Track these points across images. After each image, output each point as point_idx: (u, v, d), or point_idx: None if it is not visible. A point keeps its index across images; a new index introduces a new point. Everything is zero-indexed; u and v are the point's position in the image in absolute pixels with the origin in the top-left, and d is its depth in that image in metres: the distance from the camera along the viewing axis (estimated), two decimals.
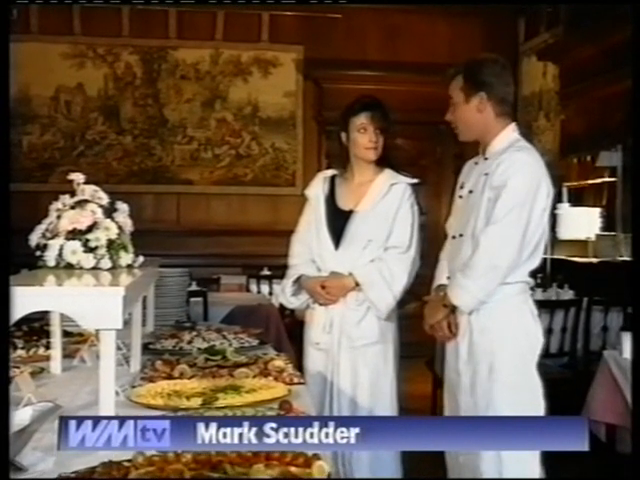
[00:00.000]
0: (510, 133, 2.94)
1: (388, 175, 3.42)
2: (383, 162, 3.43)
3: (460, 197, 3.03)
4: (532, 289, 2.97)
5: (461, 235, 2.93)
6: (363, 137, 3.36)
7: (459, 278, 2.82)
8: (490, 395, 2.82)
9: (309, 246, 3.45)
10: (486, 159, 2.94)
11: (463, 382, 2.90)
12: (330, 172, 3.55)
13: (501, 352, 2.82)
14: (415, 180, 3.45)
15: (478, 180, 2.91)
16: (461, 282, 2.81)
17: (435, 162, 8.63)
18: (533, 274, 2.93)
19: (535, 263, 2.88)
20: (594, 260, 6.73)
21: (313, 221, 3.46)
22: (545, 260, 7.21)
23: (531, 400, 2.85)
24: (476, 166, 3.00)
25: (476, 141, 3.02)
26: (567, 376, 4.93)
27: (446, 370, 3.05)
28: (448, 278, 2.97)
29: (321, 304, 3.38)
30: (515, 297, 2.86)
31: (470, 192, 2.95)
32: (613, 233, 6.74)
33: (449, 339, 2.94)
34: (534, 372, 2.86)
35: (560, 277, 5.92)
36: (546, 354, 5.02)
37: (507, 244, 2.76)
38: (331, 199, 3.47)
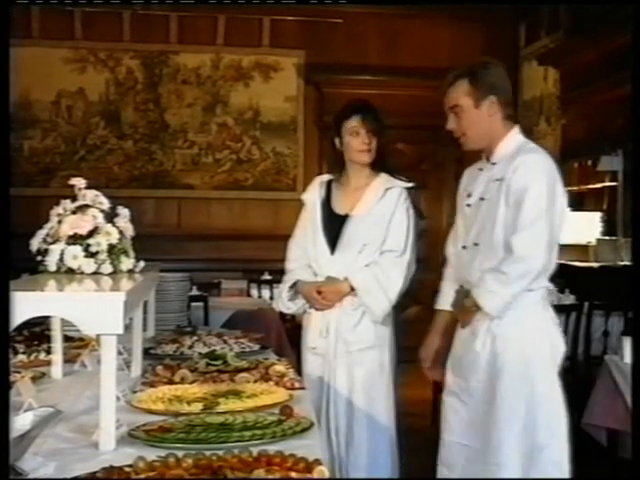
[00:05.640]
0: (515, 135, 2.89)
1: (383, 179, 3.42)
2: (378, 166, 3.43)
3: (468, 205, 2.92)
4: (560, 292, 2.91)
5: (476, 244, 2.84)
6: (356, 140, 3.37)
7: (490, 283, 2.74)
8: (515, 404, 2.74)
9: (306, 251, 3.45)
10: (494, 164, 2.86)
11: (479, 389, 2.81)
12: (327, 177, 3.56)
13: (526, 361, 2.76)
14: (410, 184, 3.44)
15: (489, 187, 2.83)
16: (493, 287, 2.73)
17: (436, 166, 8.62)
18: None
19: (554, 265, 2.82)
20: (595, 264, 6.72)
21: (310, 226, 3.46)
22: None
23: (553, 410, 2.80)
24: (481, 172, 2.91)
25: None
26: (568, 381, 4.90)
27: (451, 376, 2.94)
28: (461, 287, 2.91)
29: (317, 309, 3.38)
30: (537, 304, 2.81)
31: (481, 199, 2.86)
32: (614, 237, 6.73)
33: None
34: (557, 381, 2.83)
35: (561, 281, 5.89)
36: None
37: (539, 250, 2.71)
38: (327, 204, 3.47)
